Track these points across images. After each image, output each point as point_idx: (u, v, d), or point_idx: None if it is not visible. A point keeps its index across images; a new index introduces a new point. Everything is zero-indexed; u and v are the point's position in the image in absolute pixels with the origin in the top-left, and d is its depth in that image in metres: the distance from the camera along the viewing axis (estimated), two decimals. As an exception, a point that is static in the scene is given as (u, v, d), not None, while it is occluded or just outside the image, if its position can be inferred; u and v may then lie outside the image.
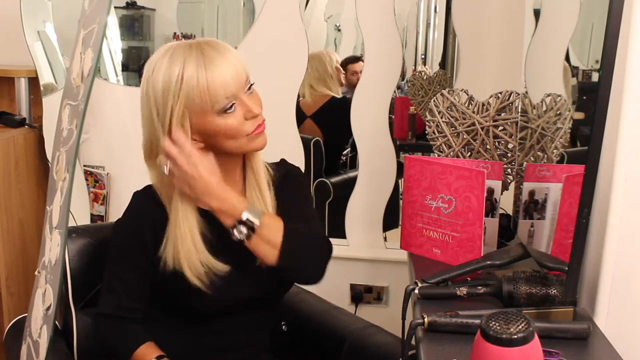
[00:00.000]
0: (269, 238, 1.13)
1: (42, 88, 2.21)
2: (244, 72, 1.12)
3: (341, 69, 2.96)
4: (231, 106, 1.10)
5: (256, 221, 1.12)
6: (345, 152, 3.01)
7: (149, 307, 1.25)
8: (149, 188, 1.23)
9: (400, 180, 2.20)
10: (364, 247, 2.20)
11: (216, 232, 1.17)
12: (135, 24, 4.18)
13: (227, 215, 1.12)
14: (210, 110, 1.09)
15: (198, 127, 1.11)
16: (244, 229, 1.12)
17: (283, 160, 1.33)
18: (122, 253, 1.24)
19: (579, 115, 1.39)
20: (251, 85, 1.14)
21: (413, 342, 0.97)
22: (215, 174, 1.13)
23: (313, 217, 1.31)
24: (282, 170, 1.30)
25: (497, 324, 0.68)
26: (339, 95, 2.90)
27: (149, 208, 1.21)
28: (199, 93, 1.07)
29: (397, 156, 2.21)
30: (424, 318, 0.94)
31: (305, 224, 1.24)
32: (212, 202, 1.12)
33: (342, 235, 2.20)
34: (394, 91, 2.18)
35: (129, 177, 2.17)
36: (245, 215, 1.12)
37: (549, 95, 1.45)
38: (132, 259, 1.22)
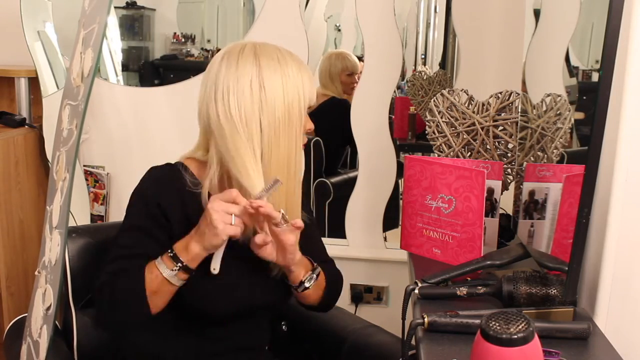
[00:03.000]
0: (317, 289, 1.26)
1: (42, 88, 2.21)
2: None
3: (350, 79, 2.94)
4: (308, 108, 1.17)
5: (315, 278, 1.24)
6: (344, 153, 3.00)
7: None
8: (169, 165, 1.21)
9: (400, 180, 2.20)
10: (364, 247, 2.20)
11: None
12: (135, 24, 4.18)
13: (296, 279, 1.22)
14: (306, 104, 1.15)
15: None
16: (301, 288, 1.23)
17: None
18: (136, 219, 1.17)
19: (579, 115, 1.39)
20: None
21: (413, 342, 0.97)
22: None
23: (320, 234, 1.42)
24: None
25: (497, 324, 0.68)
26: (340, 97, 2.90)
27: (169, 179, 1.18)
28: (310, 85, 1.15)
29: (397, 156, 2.20)
30: (424, 318, 0.94)
31: (326, 252, 1.38)
32: (293, 265, 1.19)
33: (342, 235, 2.20)
34: (394, 91, 2.18)
35: (129, 177, 2.17)
36: (308, 279, 1.23)
37: (549, 95, 1.45)
38: (146, 226, 1.16)
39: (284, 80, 1.12)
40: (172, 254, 1.11)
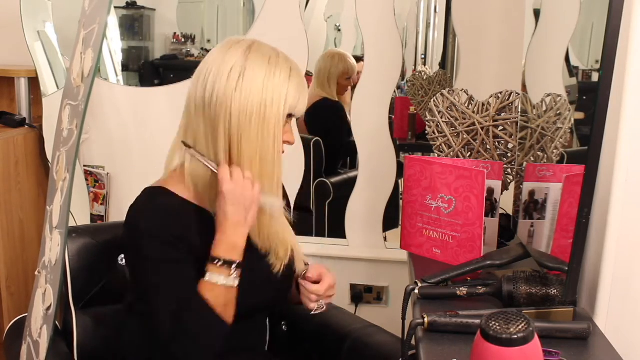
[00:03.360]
0: None
1: (42, 88, 2.21)
2: None
3: (346, 83, 2.92)
4: (290, 116, 1.14)
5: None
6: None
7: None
8: (155, 190, 1.17)
9: (400, 180, 2.20)
10: (364, 247, 2.19)
11: None
12: (135, 24, 4.18)
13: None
14: (285, 109, 1.12)
15: None
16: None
17: None
18: (164, 254, 1.11)
19: (579, 115, 1.39)
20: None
21: (413, 342, 0.97)
22: None
23: None
24: None
25: (497, 324, 0.68)
26: (334, 99, 2.89)
27: (174, 202, 1.15)
28: (294, 92, 1.13)
29: (397, 156, 2.20)
30: (424, 318, 0.94)
31: None
32: None
33: (342, 235, 2.20)
34: (394, 91, 2.18)
35: (129, 177, 2.18)
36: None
37: (549, 95, 1.45)
38: (177, 258, 1.12)
39: (267, 79, 1.10)
40: (221, 262, 1.10)
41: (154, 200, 1.15)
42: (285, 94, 1.11)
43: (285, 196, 1.27)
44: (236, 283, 1.11)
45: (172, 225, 1.12)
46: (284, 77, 1.12)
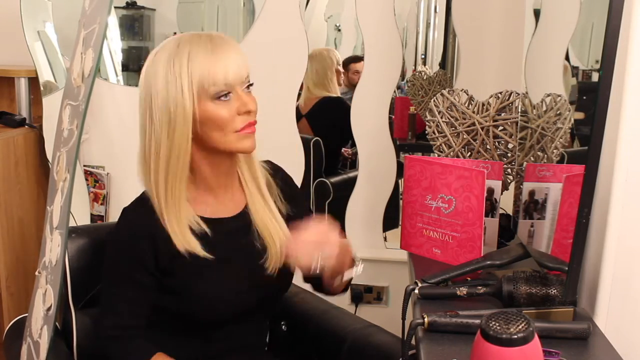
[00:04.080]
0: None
1: (42, 88, 2.21)
2: (246, 68, 1.12)
3: (342, 70, 2.93)
4: (227, 94, 1.10)
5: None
6: (348, 151, 2.99)
7: (151, 313, 1.23)
8: (139, 201, 1.20)
9: (400, 180, 2.20)
10: (364, 247, 2.20)
11: (217, 238, 1.18)
12: (135, 24, 4.17)
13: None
14: (206, 93, 1.09)
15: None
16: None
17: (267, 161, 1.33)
18: (121, 272, 1.19)
19: (579, 115, 1.39)
20: (250, 84, 1.14)
21: (413, 342, 0.97)
22: None
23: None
24: (270, 165, 1.32)
25: (497, 324, 0.68)
26: (335, 95, 2.89)
27: (143, 222, 1.17)
28: (199, 72, 1.07)
29: (397, 156, 2.20)
30: (424, 318, 0.94)
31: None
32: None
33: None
34: (394, 91, 2.18)
35: (129, 177, 2.15)
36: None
37: (549, 95, 1.45)
38: (133, 277, 1.17)
39: (167, 73, 1.09)
40: None
41: (128, 210, 1.21)
42: (188, 71, 1.08)
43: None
44: None
45: (136, 237, 1.17)
46: (187, 53, 1.09)
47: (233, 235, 1.21)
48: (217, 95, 1.09)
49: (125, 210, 1.22)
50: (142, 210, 1.17)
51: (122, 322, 1.19)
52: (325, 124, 2.78)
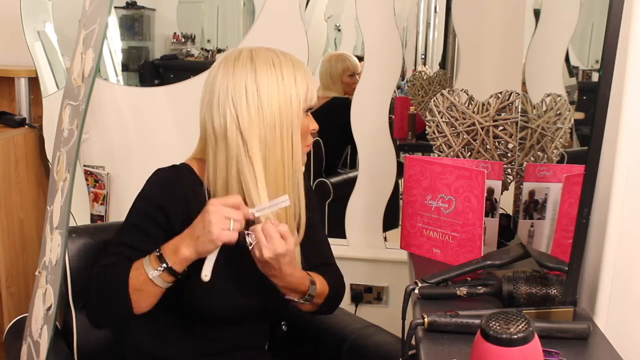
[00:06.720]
0: (316, 301, 1.27)
1: (42, 88, 2.21)
2: None
3: (353, 76, 2.93)
4: (310, 110, 1.18)
5: (314, 293, 1.24)
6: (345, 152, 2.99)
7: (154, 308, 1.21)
8: (177, 167, 1.21)
9: (400, 180, 2.20)
10: (364, 247, 2.20)
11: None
12: (135, 24, 4.18)
13: (297, 292, 1.21)
14: (304, 105, 1.15)
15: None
16: (302, 300, 1.24)
17: None
18: (145, 224, 1.16)
19: (579, 115, 1.39)
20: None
21: (413, 342, 0.97)
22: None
23: (325, 235, 1.41)
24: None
25: (497, 324, 0.68)
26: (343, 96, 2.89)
27: (180, 182, 1.18)
28: (305, 85, 1.15)
29: (397, 156, 2.20)
30: (424, 318, 0.94)
31: (329, 254, 1.38)
32: (288, 278, 1.16)
33: (342, 235, 2.20)
34: (394, 91, 2.18)
35: (129, 177, 2.18)
36: (310, 291, 1.23)
37: (549, 95, 1.45)
38: (153, 235, 1.15)
39: (279, 83, 1.12)
40: (158, 254, 1.09)
41: (161, 172, 1.20)
42: (295, 89, 1.14)
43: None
44: (159, 282, 1.09)
45: (160, 196, 1.16)
46: (289, 74, 1.14)
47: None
48: (307, 108, 1.17)
49: (158, 170, 1.21)
50: (185, 173, 1.19)
51: (121, 249, 1.16)
52: (332, 125, 2.78)
